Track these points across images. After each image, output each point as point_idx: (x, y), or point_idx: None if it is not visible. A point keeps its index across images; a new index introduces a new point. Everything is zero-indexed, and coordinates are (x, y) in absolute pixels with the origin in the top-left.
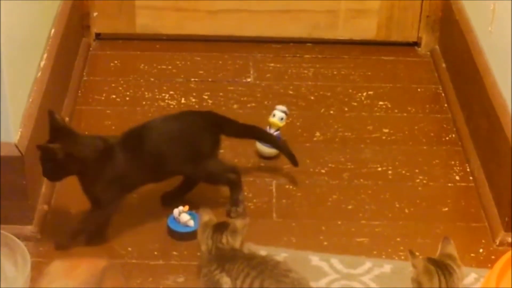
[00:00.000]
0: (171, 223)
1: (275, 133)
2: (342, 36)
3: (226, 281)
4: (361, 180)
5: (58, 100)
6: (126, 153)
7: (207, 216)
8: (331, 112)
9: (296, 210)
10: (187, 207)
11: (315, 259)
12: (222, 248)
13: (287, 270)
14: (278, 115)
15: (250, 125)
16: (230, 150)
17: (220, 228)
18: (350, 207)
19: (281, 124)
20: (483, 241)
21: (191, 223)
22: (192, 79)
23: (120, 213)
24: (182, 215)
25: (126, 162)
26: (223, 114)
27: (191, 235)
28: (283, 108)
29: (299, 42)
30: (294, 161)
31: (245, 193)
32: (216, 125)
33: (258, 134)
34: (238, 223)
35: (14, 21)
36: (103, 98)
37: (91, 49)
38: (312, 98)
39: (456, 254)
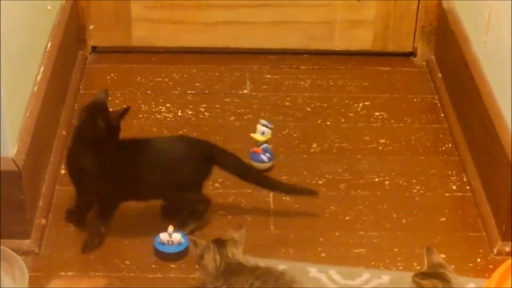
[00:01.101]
0: (164, 248)
1: (263, 147)
2: (338, 47)
3: None
4: (359, 191)
5: (55, 113)
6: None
7: (200, 244)
8: (328, 123)
9: (294, 222)
10: (172, 227)
11: (313, 271)
12: (229, 262)
13: (291, 281)
14: (259, 130)
15: (250, 167)
16: None
17: (220, 243)
18: (347, 218)
19: (262, 138)
20: (481, 250)
21: (183, 239)
22: (189, 92)
23: (118, 226)
24: (173, 235)
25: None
26: (225, 149)
27: (186, 251)
28: (264, 122)
29: (296, 53)
30: (312, 193)
31: (243, 205)
32: (209, 157)
33: (256, 178)
34: (236, 234)
35: (10, 34)
36: None
37: (87, 62)
38: (308, 109)
39: (443, 261)
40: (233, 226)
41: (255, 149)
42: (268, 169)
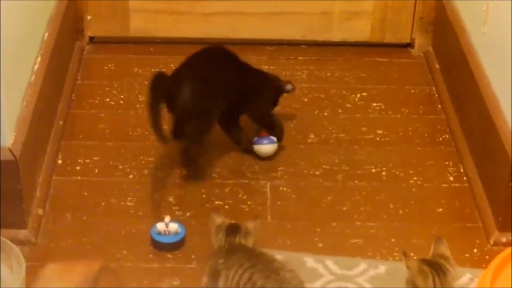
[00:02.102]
0: (161, 238)
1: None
2: (336, 38)
3: (225, 274)
4: (356, 181)
5: (52, 103)
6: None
7: (219, 218)
8: (325, 114)
9: (291, 212)
10: (168, 217)
11: (310, 261)
12: (233, 244)
13: (280, 268)
14: None
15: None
16: (224, 152)
17: (233, 230)
18: (344, 208)
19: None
20: (478, 241)
21: (180, 229)
22: None
23: (115, 216)
24: (170, 225)
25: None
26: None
27: (183, 241)
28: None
29: (293, 44)
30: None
31: (239, 195)
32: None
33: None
34: (250, 224)
35: (7, 24)
36: (97, 101)
37: (85, 52)
38: (306, 100)
39: (449, 253)
40: (230, 217)
41: (263, 133)
42: (270, 157)
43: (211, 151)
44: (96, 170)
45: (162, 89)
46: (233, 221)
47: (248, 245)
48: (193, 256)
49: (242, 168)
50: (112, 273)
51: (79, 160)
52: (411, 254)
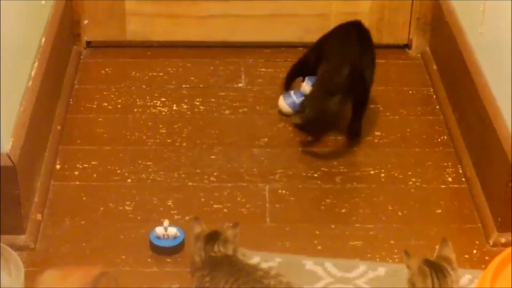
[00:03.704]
0: (160, 242)
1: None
2: None
3: None
4: (354, 183)
5: (50, 108)
6: None
7: (199, 227)
8: None
9: (290, 215)
10: (167, 221)
11: (309, 263)
12: (214, 256)
13: (263, 276)
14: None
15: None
16: (223, 155)
17: (211, 238)
18: (343, 210)
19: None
20: (477, 242)
21: (178, 233)
22: (184, 86)
23: (113, 221)
24: (169, 229)
25: None
26: None
27: (182, 245)
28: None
29: (290, 46)
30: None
31: (238, 199)
32: None
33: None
34: (229, 232)
35: (4, 30)
36: (94, 106)
37: (82, 57)
38: None
39: (453, 256)
40: (229, 220)
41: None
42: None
43: (209, 155)
44: (94, 175)
45: None
46: (212, 229)
47: (228, 252)
48: (191, 260)
49: (241, 171)
50: (111, 278)
51: (77, 165)
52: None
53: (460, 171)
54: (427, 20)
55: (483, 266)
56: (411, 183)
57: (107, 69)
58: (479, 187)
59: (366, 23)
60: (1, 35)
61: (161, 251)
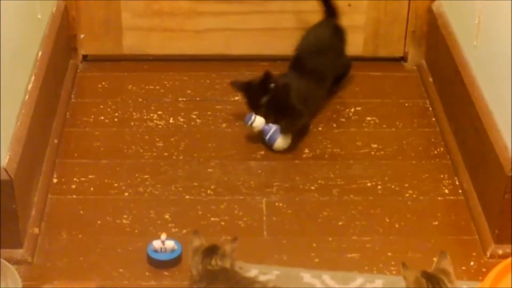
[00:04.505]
0: (157, 255)
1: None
2: None
3: None
4: (351, 196)
5: (47, 122)
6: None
7: (198, 241)
8: (320, 128)
9: (287, 227)
10: (165, 234)
11: (307, 276)
12: (211, 269)
13: None
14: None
15: None
16: (219, 168)
17: (210, 252)
18: (340, 223)
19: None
20: (474, 253)
21: (176, 246)
22: (180, 99)
23: (111, 234)
24: (167, 242)
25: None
26: None
27: (179, 258)
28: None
29: (287, 59)
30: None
31: (235, 212)
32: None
33: None
34: (228, 247)
35: (0, 43)
36: (91, 119)
37: (78, 71)
38: None
39: (451, 269)
40: (227, 233)
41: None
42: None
43: (206, 168)
44: (92, 188)
45: None
46: (211, 244)
47: (224, 265)
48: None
49: (238, 184)
50: None
51: (74, 179)
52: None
53: (457, 183)
54: (423, 33)
55: (480, 278)
56: (407, 195)
57: (103, 83)
58: (476, 199)
59: (362, 36)
60: None
61: (158, 265)
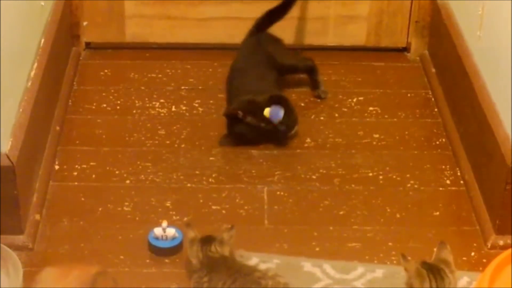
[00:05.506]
0: (158, 243)
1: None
2: (332, 43)
3: None
4: (353, 185)
5: (49, 109)
6: None
7: (192, 232)
8: (322, 118)
9: (288, 216)
10: (166, 222)
11: (307, 265)
12: (212, 256)
13: (260, 277)
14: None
15: None
16: (222, 157)
17: (207, 240)
18: (341, 212)
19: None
20: (475, 244)
21: (177, 234)
22: (183, 87)
23: (112, 221)
24: (168, 230)
25: None
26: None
27: (180, 246)
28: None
29: (289, 48)
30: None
31: (237, 200)
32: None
33: None
34: (225, 234)
35: (3, 31)
36: (93, 107)
37: (81, 58)
38: (302, 104)
39: (451, 259)
40: (228, 221)
41: None
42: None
43: (208, 156)
44: (93, 176)
45: None
46: (206, 234)
47: (224, 253)
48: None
49: (239, 172)
50: (109, 277)
51: (76, 166)
52: (409, 258)
53: (458, 174)
54: (426, 23)
55: (481, 268)
56: (409, 185)
57: (106, 71)
58: (477, 190)
59: (365, 26)
60: (1, 36)
61: (159, 252)
